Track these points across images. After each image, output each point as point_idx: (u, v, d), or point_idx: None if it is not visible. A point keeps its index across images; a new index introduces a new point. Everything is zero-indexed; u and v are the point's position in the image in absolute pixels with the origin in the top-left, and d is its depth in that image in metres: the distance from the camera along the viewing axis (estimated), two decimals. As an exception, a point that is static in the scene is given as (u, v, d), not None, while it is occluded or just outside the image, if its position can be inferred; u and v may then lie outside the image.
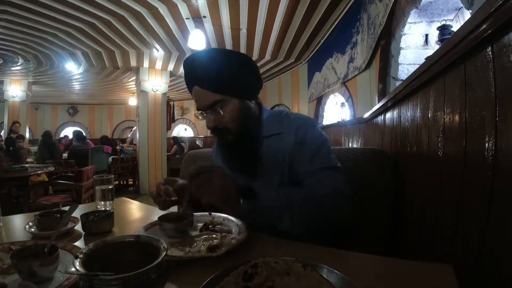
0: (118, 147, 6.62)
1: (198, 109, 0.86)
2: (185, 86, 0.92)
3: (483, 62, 0.56)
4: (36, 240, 0.76)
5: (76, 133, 5.50)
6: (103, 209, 0.98)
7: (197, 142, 9.22)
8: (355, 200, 0.79)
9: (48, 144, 4.97)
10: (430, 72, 0.82)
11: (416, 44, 2.10)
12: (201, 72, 0.83)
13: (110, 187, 1.02)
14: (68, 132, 10.48)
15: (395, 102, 1.29)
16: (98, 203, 1.00)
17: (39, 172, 3.21)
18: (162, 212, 0.85)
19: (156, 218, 0.84)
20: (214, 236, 0.75)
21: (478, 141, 0.58)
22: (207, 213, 0.91)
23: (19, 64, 5.21)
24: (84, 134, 5.79)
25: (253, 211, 0.74)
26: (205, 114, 0.85)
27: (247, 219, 0.79)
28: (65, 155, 5.40)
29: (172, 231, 0.76)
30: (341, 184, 0.80)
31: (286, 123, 0.91)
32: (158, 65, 5.51)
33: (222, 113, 0.83)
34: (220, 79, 0.81)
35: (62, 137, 8.05)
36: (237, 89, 0.84)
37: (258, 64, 5.21)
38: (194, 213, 0.91)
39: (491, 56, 0.53)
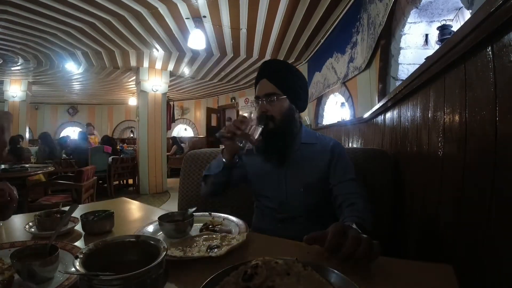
0: (118, 147, 6.61)
1: (256, 97, 1.07)
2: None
3: (483, 62, 0.56)
4: (36, 240, 0.76)
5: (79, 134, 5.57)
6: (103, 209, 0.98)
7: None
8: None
9: (49, 144, 4.97)
10: (430, 72, 0.82)
11: (416, 44, 2.10)
12: (273, 70, 1.06)
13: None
14: (69, 132, 10.49)
15: (395, 102, 1.29)
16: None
17: (39, 172, 3.21)
18: (163, 212, 0.85)
19: (156, 218, 0.84)
20: (214, 236, 0.76)
21: (478, 141, 0.58)
22: (207, 213, 0.91)
23: (19, 64, 5.21)
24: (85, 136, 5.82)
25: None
26: (260, 102, 1.04)
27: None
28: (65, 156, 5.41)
29: (172, 231, 0.76)
30: (365, 192, 0.99)
31: (320, 138, 1.12)
32: (158, 65, 5.51)
33: (274, 103, 1.02)
34: (284, 80, 1.04)
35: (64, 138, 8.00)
36: (293, 94, 1.04)
37: (258, 64, 5.22)
38: (194, 213, 0.91)
39: (491, 56, 0.53)
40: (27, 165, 3.39)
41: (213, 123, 9.25)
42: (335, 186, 1.00)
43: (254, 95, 1.10)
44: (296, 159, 1.05)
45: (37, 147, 5.96)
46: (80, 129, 10.47)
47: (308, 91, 1.13)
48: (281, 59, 5.07)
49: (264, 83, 1.04)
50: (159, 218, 0.79)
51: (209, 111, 9.19)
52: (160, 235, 0.78)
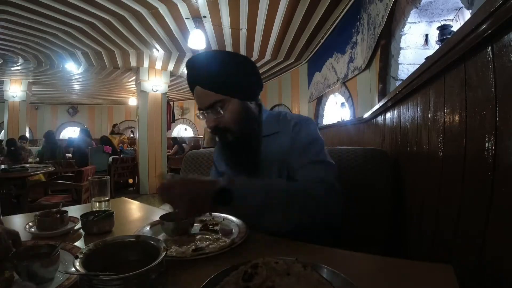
0: (118, 147, 6.61)
1: (199, 109, 0.88)
2: (185, 86, 0.94)
3: (483, 62, 0.56)
4: (36, 240, 0.76)
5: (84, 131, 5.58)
6: (103, 209, 0.98)
7: (200, 142, 9.21)
8: (343, 194, 0.78)
9: (51, 144, 4.97)
10: (430, 72, 0.82)
11: (416, 44, 2.10)
12: (203, 72, 0.85)
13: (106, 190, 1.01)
14: (69, 132, 10.49)
15: (395, 102, 1.29)
16: (93, 204, 1.00)
17: (39, 172, 3.21)
18: (163, 212, 0.85)
19: (156, 218, 0.84)
20: (214, 235, 0.76)
21: (478, 141, 0.58)
22: (207, 213, 0.91)
23: (19, 64, 5.21)
24: (89, 134, 5.83)
25: (230, 211, 0.75)
26: (205, 114, 0.86)
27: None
28: (68, 155, 5.41)
29: (174, 230, 0.76)
30: (330, 177, 0.79)
31: (283, 122, 0.93)
32: (158, 65, 5.51)
33: (222, 112, 0.84)
34: (221, 79, 0.83)
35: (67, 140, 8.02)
36: (238, 90, 0.86)
37: (258, 64, 5.22)
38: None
39: (491, 56, 0.53)
40: (27, 165, 3.39)
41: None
42: (295, 173, 0.84)
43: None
44: (261, 160, 0.90)
45: (37, 147, 5.96)
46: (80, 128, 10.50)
47: (255, 67, 0.92)
48: (281, 59, 5.08)
49: (199, 92, 0.85)
50: (161, 217, 0.79)
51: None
52: (160, 235, 0.78)
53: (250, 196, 0.70)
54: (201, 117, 0.88)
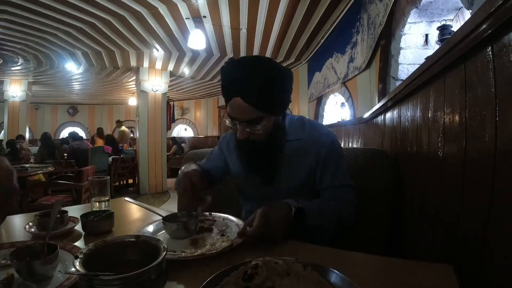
0: (128, 140, 6.60)
1: (233, 119, 0.84)
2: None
3: (483, 62, 0.56)
4: (36, 240, 0.76)
5: (71, 134, 5.53)
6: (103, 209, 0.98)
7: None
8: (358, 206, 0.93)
9: (48, 145, 4.97)
10: (430, 72, 0.82)
11: (416, 44, 2.10)
12: (246, 84, 0.79)
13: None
14: (69, 132, 10.48)
15: (395, 102, 1.29)
16: (93, 204, 1.00)
17: (38, 172, 3.21)
18: (163, 212, 0.85)
19: (155, 218, 0.84)
20: (214, 235, 0.76)
21: (478, 141, 0.58)
22: (207, 213, 0.91)
23: (19, 64, 5.21)
24: (79, 134, 5.78)
25: (305, 230, 0.81)
26: (238, 125, 0.83)
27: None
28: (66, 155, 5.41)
29: (177, 231, 0.76)
30: (355, 199, 0.92)
31: (308, 129, 0.95)
32: (158, 65, 5.51)
33: (258, 128, 0.82)
34: (265, 96, 0.80)
35: (63, 139, 8.03)
36: (278, 107, 0.87)
37: (258, 64, 5.20)
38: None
39: (491, 56, 0.53)
40: (27, 165, 3.39)
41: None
42: (324, 191, 0.92)
43: (226, 111, 0.86)
44: (282, 162, 0.93)
45: (37, 147, 5.96)
46: (81, 129, 10.52)
47: (293, 80, 0.90)
48: (281, 59, 5.08)
49: (239, 104, 0.80)
50: (164, 218, 0.79)
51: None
52: (160, 235, 0.78)
53: (317, 217, 0.81)
54: (230, 125, 0.86)
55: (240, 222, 0.82)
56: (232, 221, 0.85)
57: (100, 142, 6.35)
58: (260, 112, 0.81)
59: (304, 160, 0.91)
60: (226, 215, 0.89)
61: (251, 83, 0.78)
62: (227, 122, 0.86)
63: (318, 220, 0.81)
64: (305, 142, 0.92)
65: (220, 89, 0.89)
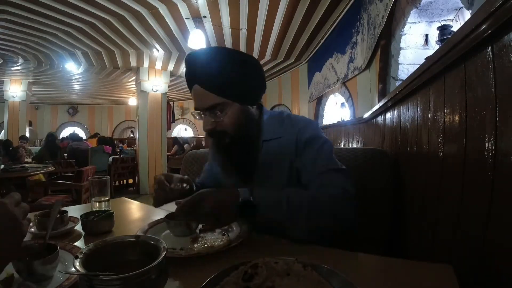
0: (117, 148, 6.60)
1: (196, 109, 0.83)
2: (185, 86, 0.91)
3: (483, 62, 0.56)
4: (36, 240, 0.76)
5: (71, 135, 5.55)
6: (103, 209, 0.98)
7: (203, 143, 9.18)
8: (357, 197, 0.78)
9: (51, 146, 4.97)
10: (430, 72, 0.82)
11: (416, 44, 2.10)
12: (204, 71, 0.78)
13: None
14: (69, 132, 10.49)
15: (395, 102, 1.29)
16: (93, 204, 1.00)
17: (38, 172, 3.21)
18: (163, 212, 0.85)
19: (156, 218, 0.84)
20: (214, 235, 0.76)
21: (478, 141, 0.58)
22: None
23: (19, 64, 5.21)
24: (79, 135, 5.78)
25: (257, 222, 0.74)
26: (202, 115, 0.82)
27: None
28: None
29: (179, 230, 0.76)
30: (347, 185, 0.77)
31: (287, 126, 0.89)
32: (158, 65, 5.51)
33: (221, 116, 0.79)
34: (224, 81, 0.78)
35: (63, 138, 8.02)
36: (240, 94, 0.81)
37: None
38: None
39: (491, 56, 0.53)
40: (27, 165, 3.39)
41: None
42: (309, 182, 0.81)
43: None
44: (261, 165, 0.86)
45: (37, 147, 5.96)
46: (81, 130, 10.52)
47: (261, 68, 0.86)
48: (281, 59, 5.08)
49: (199, 92, 0.79)
50: (167, 216, 0.79)
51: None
52: (161, 235, 0.78)
53: (273, 210, 0.71)
54: (197, 117, 0.84)
55: (242, 222, 0.82)
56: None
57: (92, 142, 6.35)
58: (220, 98, 0.78)
59: (283, 159, 0.85)
60: None
61: (208, 68, 0.78)
62: (194, 114, 0.84)
63: (278, 214, 0.71)
64: (284, 140, 0.86)
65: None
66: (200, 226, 0.83)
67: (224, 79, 0.78)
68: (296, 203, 0.72)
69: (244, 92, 0.82)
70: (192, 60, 0.82)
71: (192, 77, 0.82)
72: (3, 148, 4.24)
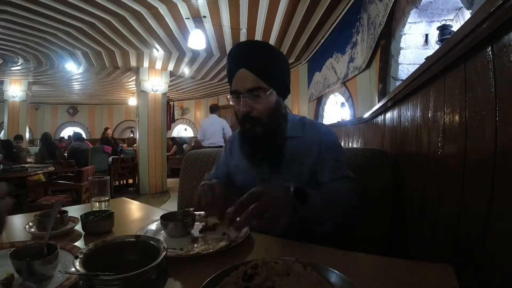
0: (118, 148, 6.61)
1: (235, 92, 0.88)
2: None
3: (483, 62, 0.56)
4: (36, 240, 0.76)
5: (75, 135, 5.56)
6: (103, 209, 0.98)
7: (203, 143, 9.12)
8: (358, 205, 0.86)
9: (48, 145, 4.97)
10: (430, 72, 0.82)
11: (416, 44, 2.10)
12: (254, 56, 0.86)
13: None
14: (69, 132, 10.49)
15: (395, 102, 1.29)
16: (93, 204, 1.00)
17: (38, 172, 3.21)
18: (163, 212, 0.85)
19: (156, 218, 0.84)
20: (214, 235, 0.76)
21: (478, 141, 0.58)
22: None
23: (19, 64, 5.21)
24: (83, 135, 5.81)
25: (304, 216, 0.71)
26: (241, 98, 0.86)
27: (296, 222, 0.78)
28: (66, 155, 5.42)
29: (174, 230, 0.76)
30: (356, 190, 0.86)
31: (309, 130, 0.95)
32: (158, 65, 5.51)
33: (260, 101, 0.85)
34: (270, 68, 0.86)
35: (62, 137, 8.08)
36: (280, 83, 0.89)
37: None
38: (196, 213, 0.92)
39: (491, 56, 0.53)
40: (27, 165, 3.39)
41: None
42: (325, 185, 0.86)
43: (230, 90, 0.91)
44: (283, 159, 0.92)
45: (37, 147, 5.96)
46: (80, 129, 10.52)
47: (287, 61, 0.97)
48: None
49: (244, 74, 0.85)
50: (162, 217, 0.79)
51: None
52: (161, 235, 0.78)
53: (317, 198, 0.72)
54: (234, 101, 0.89)
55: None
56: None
57: None
58: (263, 83, 0.85)
59: (305, 158, 0.90)
60: None
61: (258, 54, 0.86)
62: (230, 100, 0.90)
63: (320, 202, 0.73)
64: (305, 140, 0.92)
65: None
66: (200, 226, 0.84)
67: (271, 67, 0.87)
68: (329, 195, 0.77)
69: (282, 84, 0.90)
70: (243, 46, 0.91)
71: (241, 61, 0.87)
72: (6, 148, 4.24)
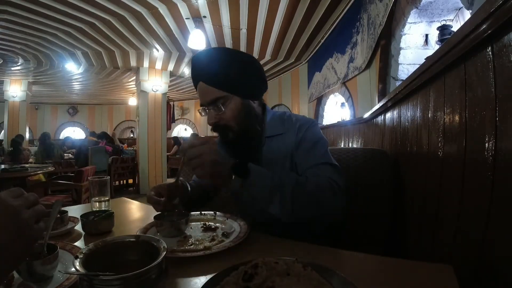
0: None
1: (201, 105, 0.89)
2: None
3: (483, 62, 0.56)
4: (36, 240, 0.76)
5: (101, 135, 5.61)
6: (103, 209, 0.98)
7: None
8: (346, 196, 0.80)
9: (46, 145, 4.97)
10: (430, 72, 0.82)
11: (416, 44, 2.10)
12: (207, 68, 0.86)
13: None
14: (69, 132, 10.50)
15: (395, 102, 1.29)
16: (93, 204, 1.00)
17: (38, 172, 3.21)
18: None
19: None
20: (214, 235, 0.76)
21: (478, 141, 0.58)
22: (212, 212, 0.91)
23: (19, 64, 5.21)
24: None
25: (245, 187, 0.73)
26: (207, 110, 0.87)
27: (238, 196, 0.80)
28: (66, 155, 5.41)
29: (168, 230, 0.76)
30: (335, 177, 0.79)
31: (288, 124, 0.93)
32: (158, 65, 5.51)
33: (223, 109, 0.85)
34: (224, 76, 0.84)
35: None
36: (240, 88, 0.86)
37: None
38: (197, 212, 0.91)
39: (491, 56, 0.53)
40: (27, 165, 3.39)
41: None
42: (302, 173, 0.84)
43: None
44: (262, 158, 0.90)
45: (36, 147, 5.96)
46: (81, 130, 10.53)
47: (261, 68, 0.93)
48: (281, 59, 5.08)
49: (202, 88, 0.86)
50: (155, 217, 0.79)
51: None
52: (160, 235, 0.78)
53: (265, 176, 0.74)
54: (203, 114, 0.89)
55: (242, 223, 0.82)
56: (234, 221, 0.85)
57: None
58: (221, 92, 0.84)
59: (286, 154, 0.89)
60: (228, 215, 0.89)
61: (210, 65, 0.85)
62: (200, 110, 0.91)
63: (271, 182, 0.73)
64: (285, 136, 0.91)
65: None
66: (200, 226, 0.84)
67: (224, 74, 0.84)
68: (284, 180, 0.75)
69: (243, 87, 0.87)
70: (196, 59, 0.89)
71: (197, 75, 0.88)
72: (15, 145, 4.24)
